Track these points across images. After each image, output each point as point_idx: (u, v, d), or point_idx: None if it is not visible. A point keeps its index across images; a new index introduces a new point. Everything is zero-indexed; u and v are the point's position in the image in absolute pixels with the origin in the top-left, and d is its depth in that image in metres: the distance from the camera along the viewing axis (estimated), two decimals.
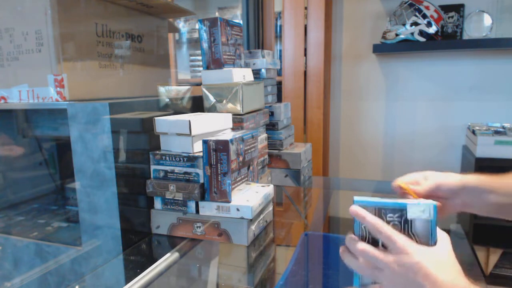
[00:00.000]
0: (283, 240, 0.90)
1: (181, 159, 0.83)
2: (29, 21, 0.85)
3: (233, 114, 0.95)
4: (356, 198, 0.55)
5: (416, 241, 0.51)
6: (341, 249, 0.56)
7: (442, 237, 0.52)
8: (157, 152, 0.86)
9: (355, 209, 0.54)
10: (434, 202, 0.52)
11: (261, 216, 0.86)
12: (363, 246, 0.53)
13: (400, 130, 2.00)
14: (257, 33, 1.90)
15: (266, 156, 1.13)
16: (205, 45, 0.97)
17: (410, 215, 0.52)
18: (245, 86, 0.96)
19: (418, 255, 0.49)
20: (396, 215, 0.53)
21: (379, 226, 0.52)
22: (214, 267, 0.80)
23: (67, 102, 0.85)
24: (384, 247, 0.52)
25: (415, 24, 1.72)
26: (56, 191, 1.28)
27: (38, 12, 0.84)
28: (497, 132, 1.58)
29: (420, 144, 1.97)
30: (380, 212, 0.53)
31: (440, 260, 0.49)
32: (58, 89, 0.86)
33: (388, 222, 0.53)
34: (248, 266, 0.78)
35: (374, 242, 0.54)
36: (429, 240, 0.52)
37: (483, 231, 1.68)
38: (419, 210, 0.52)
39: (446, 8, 1.79)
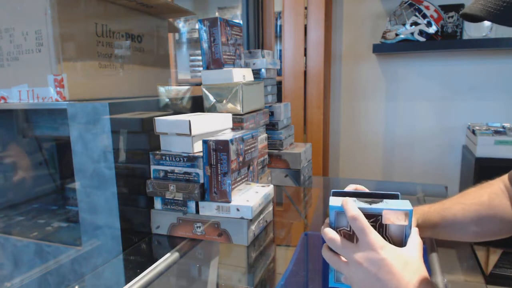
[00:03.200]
0: (283, 240, 0.90)
1: (181, 159, 0.83)
2: (29, 21, 0.85)
3: (233, 114, 0.95)
4: (332, 203, 0.54)
5: (391, 243, 0.50)
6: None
7: (415, 241, 0.51)
8: (157, 152, 0.86)
9: (345, 199, 0.54)
10: (410, 208, 0.51)
11: (261, 216, 0.86)
12: (332, 235, 0.53)
13: (400, 130, 2.00)
14: (257, 33, 1.90)
15: (266, 156, 1.13)
16: (205, 45, 0.97)
17: (385, 220, 0.51)
18: (245, 86, 0.96)
19: (385, 252, 0.48)
20: (372, 219, 0.52)
21: (356, 215, 0.51)
22: (214, 267, 0.80)
23: (67, 102, 0.85)
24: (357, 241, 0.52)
25: (415, 24, 1.72)
26: (56, 191, 1.28)
27: (38, 12, 0.84)
28: (497, 132, 1.58)
29: (420, 144, 1.97)
30: None
31: (407, 260, 0.48)
32: (58, 89, 0.86)
33: None
34: (248, 266, 0.78)
35: (349, 238, 0.53)
36: (403, 243, 0.51)
37: None
38: (395, 216, 0.51)
39: (446, 8, 1.79)
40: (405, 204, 0.52)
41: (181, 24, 2.63)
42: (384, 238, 0.51)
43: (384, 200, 0.53)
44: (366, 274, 0.49)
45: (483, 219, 0.64)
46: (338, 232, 0.54)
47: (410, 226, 0.51)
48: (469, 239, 0.68)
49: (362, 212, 0.52)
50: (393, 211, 0.51)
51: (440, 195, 1.18)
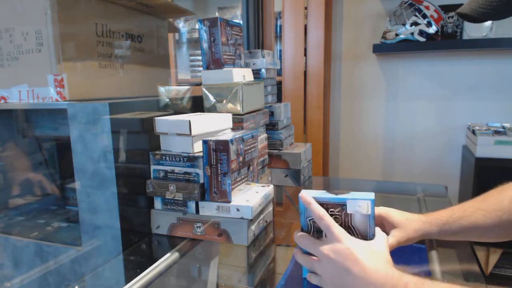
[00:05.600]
0: (283, 240, 0.90)
1: (181, 159, 0.83)
2: (29, 21, 0.85)
3: (233, 114, 0.95)
4: (302, 192, 0.59)
5: (356, 234, 0.55)
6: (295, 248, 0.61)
7: (380, 235, 0.56)
8: (157, 152, 0.86)
9: (304, 195, 0.58)
10: (372, 198, 0.55)
11: (261, 216, 0.86)
12: (301, 233, 0.58)
13: (400, 130, 2.00)
14: (257, 33, 1.90)
15: (266, 156, 1.13)
16: (205, 45, 0.97)
17: (349, 209, 0.56)
18: (245, 86, 0.96)
19: (350, 243, 0.52)
20: (337, 209, 0.57)
21: (321, 214, 0.56)
22: (214, 267, 0.80)
23: (67, 102, 0.85)
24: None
25: (415, 24, 1.72)
26: (56, 191, 1.28)
27: (38, 12, 0.84)
28: (497, 132, 1.58)
29: (420, 144, 1.97)
30: (322, 206, 0.57)
31: (371, 250, 0.52)
32: (58, 89, 0.86)
33: (330, 216, 0.56)
34: (248, 266, 0.78)
35: (318, 228, 0.58)
36: (368, 233, 0.56)
37: None
38: (358, 205, 0.56)
39: (446, 8, 1.79)
40: (368, 195, 0.56)
41: (181, 24, 2.63)
42: (350, 228, 0.56)
43: (351, 192, 0.58)
44: (334, 265, 0.52)
45: (505, 224, 0.65)
46: (308, 221, 0.59)
47: (373, 216, 0.55)
48: (488, 240, 0.70)
49: (329, 202, 0.57)
50: (356, 200, 0.55)
51: (440, 195, 1.18)
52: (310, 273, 0.59)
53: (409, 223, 0.67)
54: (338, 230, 0.54)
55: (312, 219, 0.58)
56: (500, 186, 0.69)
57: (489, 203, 0.67)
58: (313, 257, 0.57)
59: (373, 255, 0.52)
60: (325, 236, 0.56)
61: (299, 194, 0.59)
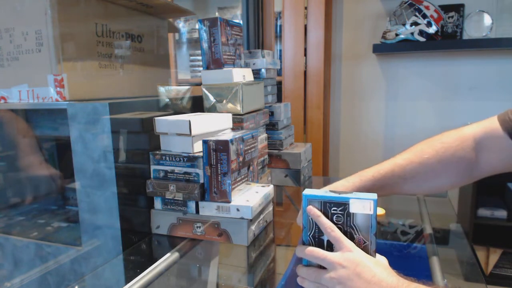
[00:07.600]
0: (283, 240, 0.90)
1: (181, 159, 0.83)
2: (29, 21, 0.85)
3: (233, 114, 0.95)
4: (305, 192, 0.59)
5: (357, 233, 0.57)
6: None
7: (380, 257, 0.58)
8: (157, 152, 0.86)
9: (312, 209, 0.58)
10: (375, 198, 0.56)
11: (261, 216, 0.86)
12: (310, 248, 0.59)
13: (400, 130, 2.00)
14: (257, 33, 1.90)
15: (266, 156, 1.13)
16: (205, 45, 0.97)
17: (352, 209, 0.56)
18: (245, 86, 0.96)
19: (360, 253, 0.55)
20: (340, 208, 0.57)
21: (332, 226, 0.57)
22: (214, 267, 0.80)
23: (67, 102, 0.85)
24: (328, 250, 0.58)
25: (415, 24, 1.72)
26: (56, 191, 1.28)
27: (38, 12, 0.84)
28: None
29: None
30: (325, 205, 0.58)
31: (378, 262, 0.55)
32: (58, 89, 0.86)
33: (332, 215, 0.57)
34: (248, 266, 0.78)
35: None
36: (369, 232, 0.56)
37: (483, 231, 1.68)
38: (361, 205, 0.56)
39: (446, 8, 1.79)
40: (371, 195, 0.57)
41: (181, 24, 2.63)
42: (352, 227, 0.57)
43: (353, 192, 0.59)
44: (346, 271, 0.54)
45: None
46: (310, 238, 0.60)
47: (375, 216, 0.56)
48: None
49: (331, 201, 0.57)
50: (359, 200, 0.56)
51: (440, 195, 1.18)
52: (304, 280, 0.60)
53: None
54: (348, 241, 0.56)
55: (314, 235, 0.59)
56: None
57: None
58: (318, 268, 0.58)
59: (381, 266, 0.54)
60: (327, 247, 0.58)
61: (306, 208, 0.58)
